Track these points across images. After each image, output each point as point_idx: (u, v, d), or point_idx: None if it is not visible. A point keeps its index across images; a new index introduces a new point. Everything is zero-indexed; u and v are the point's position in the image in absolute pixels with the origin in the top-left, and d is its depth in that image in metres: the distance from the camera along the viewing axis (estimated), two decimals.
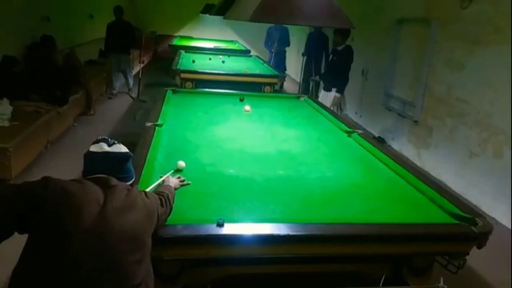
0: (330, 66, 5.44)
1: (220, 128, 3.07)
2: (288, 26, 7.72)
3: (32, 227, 1.23)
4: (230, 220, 1.62)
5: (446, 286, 1.80)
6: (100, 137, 1.46)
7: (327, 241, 1.66)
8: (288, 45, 8.09)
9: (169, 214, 1.61)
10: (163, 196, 1.59)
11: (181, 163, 2.18)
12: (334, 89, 5.19)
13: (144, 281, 1.31)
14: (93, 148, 1.42)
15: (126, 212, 1.32)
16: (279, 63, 7.76)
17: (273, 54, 7.92)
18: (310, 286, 1.75)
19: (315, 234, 1.63)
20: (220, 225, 1.57)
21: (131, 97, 7.22)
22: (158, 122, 2.92)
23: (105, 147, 1.42)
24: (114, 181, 1.38)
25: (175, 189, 1.85)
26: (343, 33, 5.05)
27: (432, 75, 4.74)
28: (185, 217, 1.67)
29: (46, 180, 1.29)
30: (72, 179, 1.36)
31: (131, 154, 1.50)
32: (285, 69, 7.71)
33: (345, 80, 5.24)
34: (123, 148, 1.46)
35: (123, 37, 7.07)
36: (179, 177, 2.00)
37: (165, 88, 4.15)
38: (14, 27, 5.26)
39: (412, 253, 1.78)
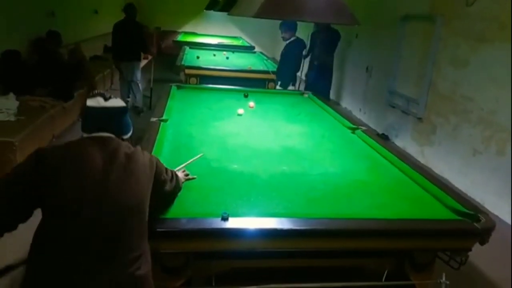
0: (280, 59, 5.42)
1: (224, 124, 3.09)
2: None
3: (40, 204, 1.28)
4: (234, 214, 1.64)
5: (448, 282, 1.82)
6: (96, 91, 1.49)
7: (330, 235, 1.68)
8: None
9: (175, 191, 1.71)
10: (171, 171, 1.67)
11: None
12: (279, 83, 5.21)
13: (145, 252, 1.36)
14: (90, 103, 1.44)
15: (128, 180, 1.34)
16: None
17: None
18: (313, 280, 1.76)
19: (318, 229, 1.65)
20: (225, 219, 1.59)
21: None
22: (163, 117, 2.93)
23: (102, 102, 1.44)
24: (114, 142, 1.41)
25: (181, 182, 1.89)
26: (290, 26, 5.01)
27: (436, 72, 4.73)
28: (190, 211, 1.69)
29: (37, 157, 1.30)
30: (71, 143, 1.39)
31: (128, 107, 1.54)
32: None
33: (291, 74, 5.22)
34: (119, 102, 1.49)
35: (135, 41, 5.82)
36: (184, 170, 2.02)
37: (170, 84, 4.16)
38: (20, 22, 5.28)
39: (415, 249, 1.79)
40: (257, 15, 1.84)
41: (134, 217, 1.33)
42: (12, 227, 1.29)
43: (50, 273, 1.23)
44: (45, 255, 1.25)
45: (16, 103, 4.07)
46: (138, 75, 6.08)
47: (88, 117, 1.45)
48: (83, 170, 1.30)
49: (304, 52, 5.57)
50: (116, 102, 1.48)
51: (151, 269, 1.38)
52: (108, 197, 1.29)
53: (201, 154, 2.24)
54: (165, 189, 1.60)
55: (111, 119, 1.45)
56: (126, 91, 6.08)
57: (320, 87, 5.29)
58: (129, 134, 1.52)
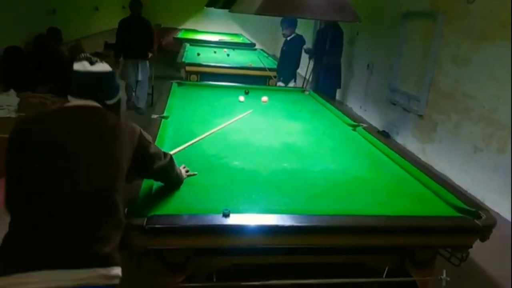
0: (280, 56, 5.40)
1: (225, 121, 3.08)
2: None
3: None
4: (235, 211, 1.64)
5: (448, 278, 1.82)
6: (82, 55, 1.47)
7: (331, 232, 1.68)
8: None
9: (170, 171, 1.73)
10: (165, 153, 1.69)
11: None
12: (281, 79, 5.19)
13: (114, 229, 1.35)
14: (77, 67, 1.43)
15: (103, 156, 1.35)
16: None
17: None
18: (314, 276, 1.77)
19: (319, 226, 1.65)
20: (226, 215, 1.59)
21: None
22: (164, 114, 2.94)
23: (87, 66, 1.43)
24: (97, 113, 1.41)
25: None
26: (291, 22, 4.99)
27: (437, 70, 4.72)
28: (191, 207, 1.69)
29: (15, 132, 1.35)
30: (51, 113, 1.44)
31: (114, 71, 1.53)
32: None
33: (292, 70, 5.21)
34: (105, 66, 1.47)
35: (142, 39, 5.65)
36: (184, 167, 2.02)
37: (171, 81, 4.16)
38: (21, 19, 5.28)
39: (416, 246, 1.79)
40: (258, 12, 1.83)
41: (103, 195, 1.33)
42: None
43: (21, 243, 1.25)
44: (16, 224, 1.27)
45: (17, 100, 4.07)
46: (145, 74, 5.85)
47: (74, 81, 1.44)
48: (55, 144, 1.32)
49: (304, 47, 5.49)
50: (102, 66, 1.46)
51: (117, 245, 1.36)
52: (78, 172, 1.30)
53: (251, 110, 2.49)
54: (154, 166, 1.59)
55: (96, 84, 1.45)
56: (130, 91, 5.89)
57: (328, 86, 5.36)
58: (115, 99, 1.52)
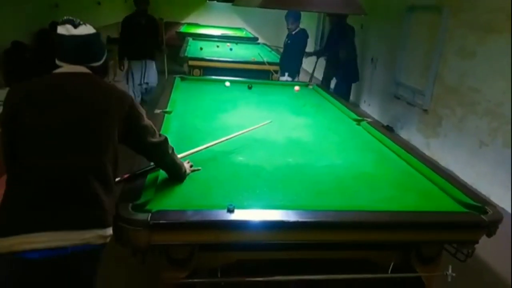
0: (284, 50, 5.38)
1: (229, 116, 3.07)
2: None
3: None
4: (239, 207, 1.62)
5: (454, 274, 1.81)
6: (65, 17, 1.47)
7: (336, 228, 1.66)
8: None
9: (169, 162, 1.73)
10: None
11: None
12: (286, 74, 5.15)
13: (113, 186, 1.45)
14: (60, 30, 1.43)
15: (88, 124, 1.39)
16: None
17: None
18: (318, 272, 1.76)
19: (324, 221, 1.64)
20: (231, 211, 1.58)
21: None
22: (167, 109, 2.92)
23: (72, 30, 1.43)
24: (83, 81, 1.43)
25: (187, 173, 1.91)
26: (295, 16, 4.95)
27: (443, 64, 4.68)
28: (195, 203, 1.68)
29: (7, 99, 1.40)
30: (37, 82, 1.44)
31: (99, 32, 1.52)
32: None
33: (298, 64, 5.20)
34: (90, 28, 1.47)
35: (148, 37, 5.30)
36: (188, 162, 2.01)
37: (174, 75, 4.14)
38: (24, 13, 5.26)
39: (422, 241, 1.78)
40: (263, 5, 1.81)
41: (94, 162, 1.38)
42: None
43: (23, 205, 1.31)
44: (16, 187, 1.34)
45: None
46: (154, 77, 5.54)
47: (59, 46, 1.44)
48: (44, 113, 1.35)
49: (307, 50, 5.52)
50: (86, 29, 1.46)
51: (111, 209, 1.45)
52: (69, 141, 1.35)
53: (270, 121, 2.52)
54: (146, 139, 1.58)
55: (81, 48, 1.45)
56: (138, 94, 5.51)
57: (346, 82, 5.62)
58: (102, 61, 1.52)
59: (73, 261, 1.34)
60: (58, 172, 1.33)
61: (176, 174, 1.84)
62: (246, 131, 2.28)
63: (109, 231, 1.42)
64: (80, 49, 1.45)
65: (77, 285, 1.39)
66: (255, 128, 2.24)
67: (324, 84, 5.58)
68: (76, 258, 1.34)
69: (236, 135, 2.33)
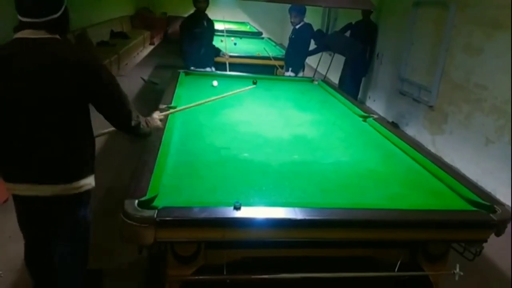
0: (288, 45, 5.36)
1: (234, 112, 3.06)
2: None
3: None
4: (246, 204, 1.61)
5: (462, 273, 1.79)
6: None
7: (343, 226, 1.65)
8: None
9: (130, 115, 1.74)
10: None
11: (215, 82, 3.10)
12: (290, 69, 5.12)
13: (81, 144, 1.68)
14: None
15: (47, 84, 1.52)
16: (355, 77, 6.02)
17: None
18: (325, 270, 1.75)
19: (332, 219, 1.62)
20: (237, 208, 1.57)
21: (142, 79, 7.19)
22: (172, 105, 2.90)
23: None
24: (41, 45, 1.52)
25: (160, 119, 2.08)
26: (300, 10, 4.93)
27: (449, 60, 4.64)
28: (201, 199, 1.67)
29: None
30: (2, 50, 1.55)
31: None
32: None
33: (302, 59, 5.18)
34: None
35: (210, 43, 4.82)
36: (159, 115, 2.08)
37: (178, 70, 4.12)
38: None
39: (429, 240, 1.76)
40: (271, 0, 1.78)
41: (58, 127, 1.58)
42: None
43: (8, 164, 1.65)
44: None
45: None
46: None
47: (16, 2, 1.52)
48: (7, 85, 1.52)
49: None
50: None
51: (83, 163, 1.70)
52: (31, 108, 1.54)
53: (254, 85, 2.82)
54: (106, 110, 1.68)
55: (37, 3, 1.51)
56: None
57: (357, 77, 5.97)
58: (59, 13, 1.55)
59: (54, 202, 1.68)
60: (25, 140, 1.58)
61: (140, 138, 1.91)
62: (230, 94, 2.67)
63: (78, 183, 1.68)
64: (36, 3, 1.50)
65: (67, 220, 1.78)
66: (239, 92, 2.66)
67: (353, 92, 5.75)
68: (56, 202, 1.68)
69: (219, 98, 2.63)
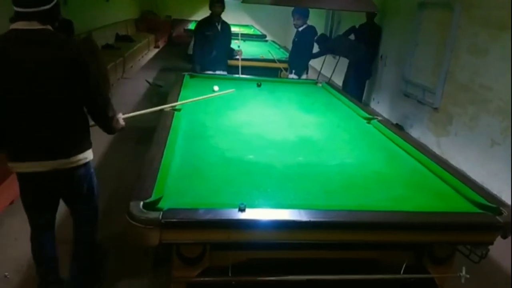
0: (292, 47, 5.35)
1: (238, 113, 3.06)
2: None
3: None
4: (250, 206, 1.61)
5: (468, 276, 1.78)
6: None
7: (348, 228, 1.65)
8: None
9: (109, 115, 1.92)
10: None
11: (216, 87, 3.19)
12: (293, 71, 5.12)
13: (78, 124, 1.86)
14: None
15: (44, 74, 1.68)
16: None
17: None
18: (330, 272, 1.75)
19: (336, 221, 1.62)
20: (242, 210, 1.57)
21: (147, 81, 7.22)
22: (177, 107, 2.92)
23: None
24: (36, 36, 1.66)
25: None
26: (303, 12, 4.92)
27: (454, 61, 4.62)
28: (206, 201, 1.68)
29: None
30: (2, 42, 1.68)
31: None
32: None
33: (305, 62, 5.17)
34: None
35: (224, 47, 4.80)
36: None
37: (183, 73, 4.14)
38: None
39: (435, 242, 1.76)
40: (275, 3, 1.79)
41: (56, 110, 1.75)
42: None
43: (16, 146, 1.81)
44: (9, 134, 1.79)
45: None
46: None
47: None
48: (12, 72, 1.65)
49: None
50: None
51: (81, 141, 1.89)
52: (32, 96, 1.69)
53: (233, 90, 2.98)
54: (92, 94, 1.81)
55: None
56: None
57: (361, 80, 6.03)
58: (51, 4, 1.68)
59: (54, 178, 1.86)
60: (26, 124, 1.74)
61: (109, 131, 2.03)
62: (211, 96, 2.93)
63: (73, 158, 1.85)
64: None
65: (73, 193, 1.98)
66: (215, 95, 2.92)
67: (358, 95, 5.75)
68: (56, 176, 1.86)
69: (201, 98, 2.87)
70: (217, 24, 4.69)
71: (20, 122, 1.74)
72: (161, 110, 2.74)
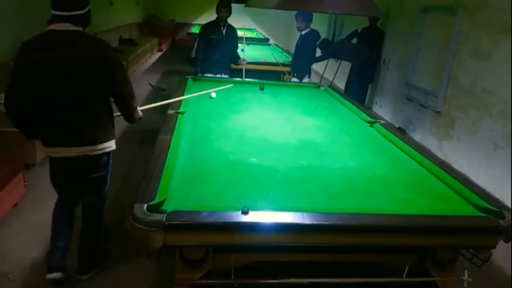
0: (295, 51, 5.36)
1: (241, 117, 3.08)
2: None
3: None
4: (254, 208, 1.62)
5: (470, 279, 1.78)
6: None
7: (351, 231, 1.65)
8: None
9: (131, 102, 2.18)
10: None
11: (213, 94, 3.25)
12: (295, 75, 5.13)
13: (104, 114, 2.12)
14: None
15: (73, 71, 1.94)
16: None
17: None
18: (333, 275, 1.75)
19: (339, 224, 1.62)
20: (245, 213, 1.58)
21: (150, 85, 7.25)
22: (180, 110, 2.93)
23: None
24: (69, 36, 1.94)
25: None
26: (306, 16, 4.93)
27: (457, 65, 4.62)
28: (210, 204, 1.69)
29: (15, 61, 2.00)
30: (35, 42, 1.98)
31: None
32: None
33: (307, 65, 5.18)
34: None
35: (228, 51, 4.77)
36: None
37: (186, 76, 4.16)
38: (38, 13, 5.32)
39: (437, 246, 1.76)
40: (279, 7, 1.80)
41: (86, 101, 2.00)
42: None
43: (48, 132, 2.07)
44: (42, 123, 2.05)
45: None
46: None
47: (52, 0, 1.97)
48: (45, 66, 1.92)
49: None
50: None
51: (107, 131, 2.13)
52: (64, 87, 1.95)
53: (231, 85, 3.17)
54: (119, 87, 2.09)
55: (70, 2, 1.94)
56: None
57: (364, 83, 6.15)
58: (84, 10, 1.98)
59: (82, 162, 2.10)
60: (59, 113, 2.00)
61: (131, 121, 2.28)
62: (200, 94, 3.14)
63: (100, 146, 2.09)
64: (69, 2, 1.94)
65: (92, 179, 2.20)
66: (197, 95, 3.09)
67: (359, 96, 5.81)
68: (83, 162, 2.10)
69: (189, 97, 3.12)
70: (222, 28, 4.71)
71: (55, 112, 2.00)
72: (168, 105, 2.95)
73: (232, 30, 4.82)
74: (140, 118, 2.29)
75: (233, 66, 5.06)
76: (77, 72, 1.94)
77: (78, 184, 2.25)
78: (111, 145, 2.17)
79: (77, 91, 1.97)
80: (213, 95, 3.40)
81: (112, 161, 2.29)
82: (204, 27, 4.84)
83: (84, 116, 2.03)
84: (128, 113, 2.19)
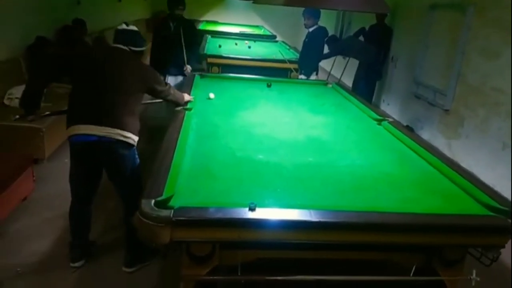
0: (302, 48, 5.32)
1: (248, 114, 3.07)
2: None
3: (72, 78, 2.43)
4: (261, 205, 1.62)
5: (478, 279, 1.77)
6: (124, 21, 2.59)
7: (358, 229, 1.65)
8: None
9: (172, 98, 2.79)
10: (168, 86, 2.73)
11: (212, 95, 3.34)
12: (302, 71, 5.10)
13: (133, 112, 2.41)
14: (119, 27, 2.54)
15: (119, 74, 2.36)
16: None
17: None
18: (339, 273, 1.75)
19: (346, 222, 1.62)
20: (252, 209, 1.58)
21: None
22: (188, 106, 2.94)
23: (124, 26, 2.54)
24: (121, 52, 2.46)
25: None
26: (313, 13, 4.89)
27: (465, 63, 4.58)
28: (217, 200, 1.69)
29: (74, 52, 2.48)
30: (95, 49, 2.58)
31: (138, 31, 2.59)
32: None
33: (314, 63, 5.14)
34: (134, 28, 2.56)
35: (183, 49, 4.59)
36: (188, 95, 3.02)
37: (193, 73, 4.16)
38: (47, 9, 5.36)
39: (446, 245, 1.75)
40: (287, 3, 1.80)
41: (120, 95, 2.33)
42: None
43: (75, 111, 2.36)
44: (71, 102, 2.40)
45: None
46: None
47: (115, 35, 2.51)
48: (95, 66, 2.39)
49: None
50: (132, 27, 2.55)
51: (133, 123, 2.37)
52: (105, 78, 2.34)
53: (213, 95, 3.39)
54: (159, 90, 2.62)
55: (127, 35, 2.51)
56: None
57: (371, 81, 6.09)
58: (141, 48, 2.56)
59: (100, 147, 2.26)
60: (95, 97, 2.31)
61: (175, 102, 2.85)
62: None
63: (127, 133, 2.29)
64: (126, 36, 2.51)
65: (116, 169, 2.40)
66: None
67: (367, 94, 5.77)
68: (102, 146, 2.25)
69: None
70: (171, 23, 4.49)
71: (94, 93, 2.30)
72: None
73: (183, 23, 4.51)
74: (187, 102, 2.92)
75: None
76: (125, 72, 2.37)
77: (94, 178, 2.45)
78: (133, 138, 2.33)
79: (121, 84, 2.33)
80: (212, 96, 3.39)
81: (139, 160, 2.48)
82: (156, 24, 4.68)
83: (117, 102, 2.30)
84: (166, 100, 2.78)
